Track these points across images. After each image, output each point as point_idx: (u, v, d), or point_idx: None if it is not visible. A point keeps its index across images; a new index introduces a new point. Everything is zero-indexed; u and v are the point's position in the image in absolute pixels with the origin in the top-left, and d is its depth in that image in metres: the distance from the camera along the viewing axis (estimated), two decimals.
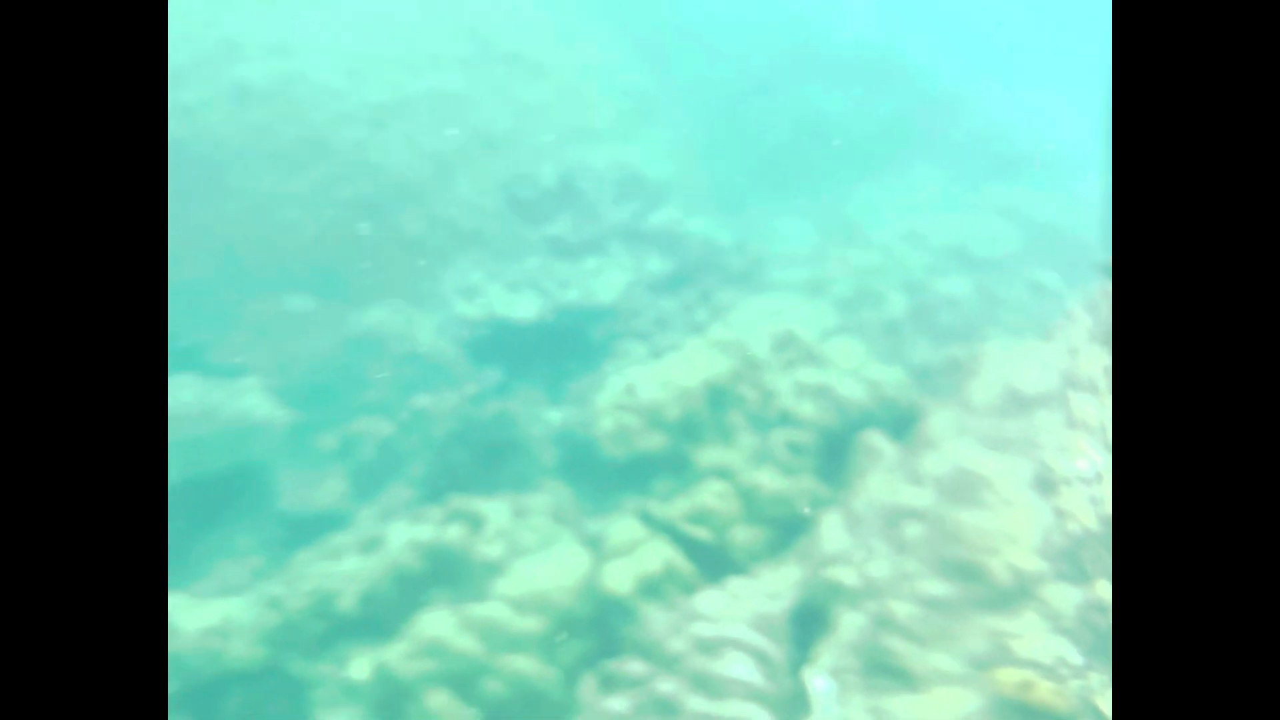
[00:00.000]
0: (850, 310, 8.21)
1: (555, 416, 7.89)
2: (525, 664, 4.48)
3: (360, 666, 4.61)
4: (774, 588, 4.64)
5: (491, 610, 4.82)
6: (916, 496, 4.37)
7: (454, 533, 5.48)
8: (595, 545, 5.55)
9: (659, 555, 5.10)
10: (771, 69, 12.92)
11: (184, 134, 8.05)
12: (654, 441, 6.25)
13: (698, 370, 6.72)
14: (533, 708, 4.40)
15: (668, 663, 4.24)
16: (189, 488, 5.89)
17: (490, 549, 5.42)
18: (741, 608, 4.47)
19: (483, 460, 6.93)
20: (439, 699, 4.31)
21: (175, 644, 4.68)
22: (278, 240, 8.02)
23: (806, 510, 5.33)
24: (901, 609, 3.81)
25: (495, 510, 5.78)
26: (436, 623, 4.74)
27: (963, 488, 4.19)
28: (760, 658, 4.21)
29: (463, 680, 4.40)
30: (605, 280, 10.25)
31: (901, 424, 5.66)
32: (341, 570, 5.24)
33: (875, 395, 6.03)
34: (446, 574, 5.25)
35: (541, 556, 5.44)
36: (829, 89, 12.69)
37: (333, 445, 6.85)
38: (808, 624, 4.44)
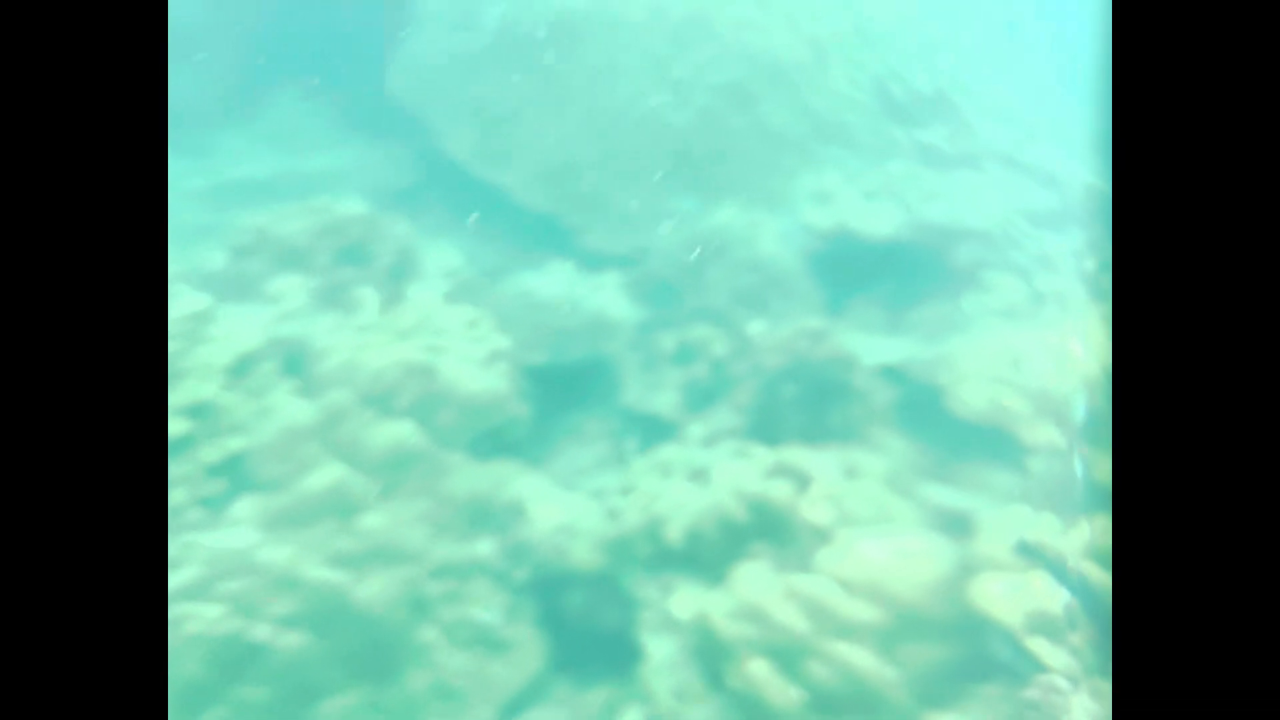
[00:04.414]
0: None
1: (898, 354, 7.20)
2: (860, 658, 4.21)
3: (682, 604, 4.71)
4: None
5: (818, 585, 4.60)
6: None
7: (779, 488, 5.25)
8: (950, 530, 4.94)
9: (1052, 592, 4.24)
10: None
11: (587, 7, 8.09)
12: (1042, 434, 5.19)
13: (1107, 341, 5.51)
14: (872, 711, 4.08)
15: None
16: (553, 371, 6.35)
17: (816, 513, 5.14)
18: None
19: (813, 397, 6.55)
20: (759, 667, 4.27)
21: (530, 533, 5.15)
22: (649, 126, 7.94)
23: None
24: None
25: (822, 465, 5.44)
26: (758, 583, 4.66)
27: None
28: None
29: (785, 655, 4.30)
30: (979, 200, 8.92)
31: None
32: (671, 495, 5.32)
33: None
34: (769, 530, 5.10)
35: (875, 531, 5.04)
36: None
37: (670, 348, 6.92)
38: None
